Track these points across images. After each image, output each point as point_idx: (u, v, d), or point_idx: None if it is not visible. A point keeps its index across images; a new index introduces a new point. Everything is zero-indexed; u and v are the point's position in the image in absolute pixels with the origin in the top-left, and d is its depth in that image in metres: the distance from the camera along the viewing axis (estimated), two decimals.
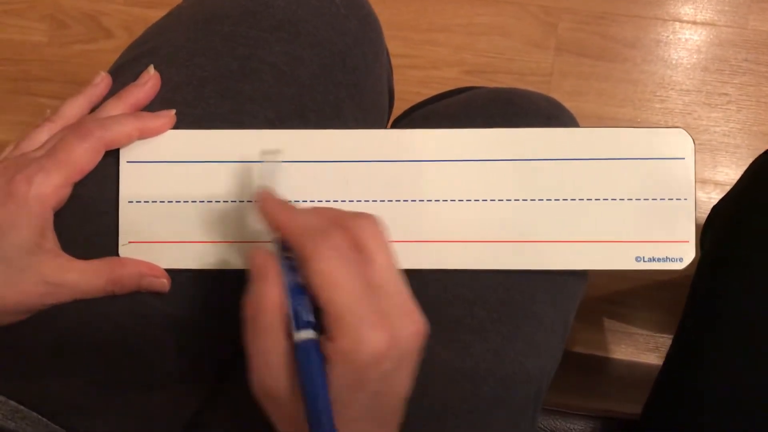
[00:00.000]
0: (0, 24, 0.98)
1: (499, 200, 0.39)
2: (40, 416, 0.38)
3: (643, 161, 0.39)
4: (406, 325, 0.29)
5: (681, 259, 0.40)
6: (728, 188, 0.55)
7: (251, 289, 0.30)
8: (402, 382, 0.31)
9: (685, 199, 0.39)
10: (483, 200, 0.39)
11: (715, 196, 0.89)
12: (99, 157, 0.37)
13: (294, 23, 0.41)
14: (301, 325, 0.29)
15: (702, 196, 0.89)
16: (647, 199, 0.39)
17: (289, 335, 0.29)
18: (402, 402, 0.31)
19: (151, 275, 0.37)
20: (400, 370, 0.30)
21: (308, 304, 0.30)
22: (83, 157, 0.36)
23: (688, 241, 0.40)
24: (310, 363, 0.28)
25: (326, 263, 0.29)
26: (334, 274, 0.29)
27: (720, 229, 0.53)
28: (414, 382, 0.32)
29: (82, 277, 0.35)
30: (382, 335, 0.28)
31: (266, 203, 0.33)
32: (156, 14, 0.45)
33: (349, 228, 0.30)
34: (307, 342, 0.29)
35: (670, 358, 0.54)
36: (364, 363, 0.28)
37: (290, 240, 0.31)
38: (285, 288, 0.30)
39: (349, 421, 0.29)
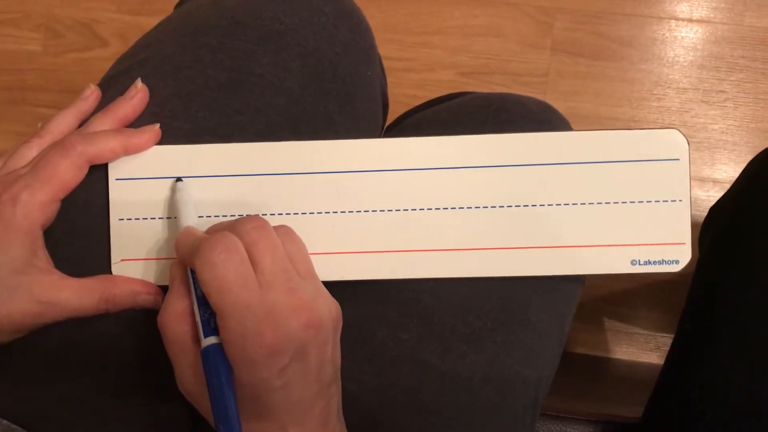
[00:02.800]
0: None
1: (491, 207, 0.39)
2: None
3: (636, 163, 0.39)
4: (293, 319, 0.31)
5: (677, 262, 0.39)
6: (727, 186, 0.55)
7: (164, 302, 0.33)
8: (311, 372, 0.32)
9: (681, 201, 0.39)
10: (476, 207, 0.39)
11: (714, 194, 0.89)
12: (83, 173, 0.37)
13: (282, 34, 0.41)
14: (208, 332, 0.31)
15: (701, 194, 0.89)
16: (642, 202, 0.39)
17: (198, 342, 0.32)
18: (321, 389, 0.33)
19: (144, 293, 0.37)
20: (304, 361, 0.32)
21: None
22: (67, 173, 0.36)
23: (684, 243, 0.39)
24: (211, 366, 0.31)
25: (210, 272, 0.31)
26: (219, 282, 0.30)
27: (719, 227, 0.53)
28: (338, 366, 0.34)
29: (74, 295, 0.35)
30: (267, 332, 0.30)
31: (178, 237, 0.35)
32: (150, 22, 0.45)
33: (237, 234, 0.32)
34: (209, 347, 0.31)
35: (670, 359, 0.54)
36: (256, 361, 0.30)
37: (186, 260, 0.33)
38: (194, 299, 0.32)
39: (262, 416, 0.32)
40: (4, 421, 0.37)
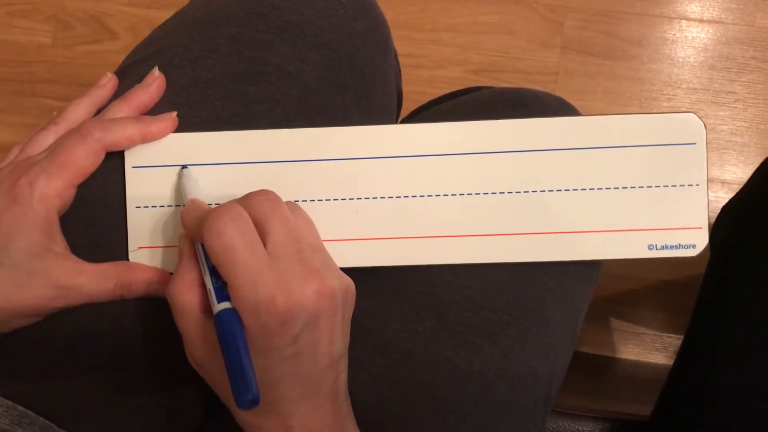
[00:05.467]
0: (4, 26, 0.98)
1: (508, 192, 0.39)
2: (47, 421, 0.38)
3: (653, 148, 0.39)
4: (305, 286, 0.31)
5: (694, 246, 0.39)
6: (736, 187, 0.55)
7: (173, 273, 0.34)
8: (322, 343, 0.32)
9: (697, 185, 0.39)
10: (492, 193, 0.39)
11: (722, 195, 0.88)
12: (100, 160, 0.37)
13: (300, 25, 0.41)
14: (221, 299, 0.31)
15: (710, 195, 0.89)
16: (658, 186, 0.39)
17: (208, 311, 0.32)
18: (331, 362, 0.33)
19: (158, 282, 0.37)
20: (314, 331, 0.32)
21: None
22: (84, 159, 0.36)
23: (701, 228, 0.39)
24: (226, 330, 0.30)
25: (218, 241, 0.31)
26: (227, 250, 0.31)
27: (731, 226, 0.53)
28: (347, 342, 0.34)
29: (91, 280, 0.35)
30: (280, 299, 0.30)
31: (184, 211, 0.35)
32: (160, 15, 0.45)
33: (249, 206, 0.32)
34: (222, 311, 0.31)
35: (679, 358, 0.54)
36: (268, 328, 0.30)
37: (193, 232, 0.33)
38: (205, 269, 0.32)
39: (272, 386, 0.32)
40: (19, 407, 0.37)
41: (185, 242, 0.34)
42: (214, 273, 0.32)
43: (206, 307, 0.32)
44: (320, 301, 0.31)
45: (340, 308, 0.33)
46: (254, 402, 0.29)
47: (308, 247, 0.33)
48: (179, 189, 0.38)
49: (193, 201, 0.35)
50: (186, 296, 0.32)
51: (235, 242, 0.31)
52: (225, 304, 0.31)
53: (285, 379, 0.32)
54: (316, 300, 0.31)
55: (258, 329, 0.30)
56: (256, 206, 0.32)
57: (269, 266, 0.31)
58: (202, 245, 0.33)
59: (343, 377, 0.35)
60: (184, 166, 0.38)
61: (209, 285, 0.32)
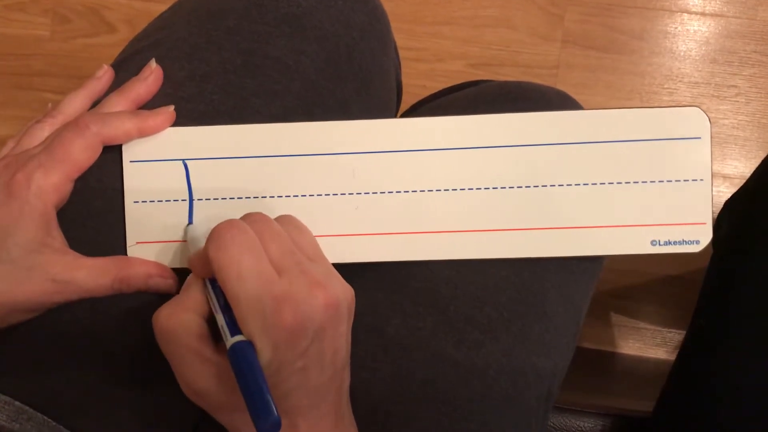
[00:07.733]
0: (2, 18, 0.97)
1: (510, 188, 0.38)
2: (45, 417, 0.37)
3: (656, 142, 0.38)
4: (312, 299, 0.30)
5: (697, 242, 0.39)
6: (737, 182, 0.54)
7: (169, 303, 0.33)
8: (328, 353, 0.32)
9: (701, 180, 0.39)
10: (494, 188, 0.38)
11: (724, 190, 0.88)
12: (97, 154, 0.36)
13: (299, 17, 0.40)
14: (235, 332, 0.31)
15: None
16: (662, 181, 0.38)
17: (207, 341, 0.32)
18: (336, 372, 0.33)
19: (158, 275, 0.36)
20: (321, 342, 0.31)
21: None
22: (81, 153, 0.35)
23: (704, 223, 0.39)
24: (243, 363, 0.30)
25: (225, 254, 0.30)
26: (235, 265, 0.30)
27: (734, 221, 0.52)
28: (350, 350, 0.34)
29: (89, 275, 0.35)
30: (288, 314, 0.30)
31: (191, 257, 0.35)
32: (159, 8, 0.44)
33: (248, 224, 0.32)
34: (237, 343, 0.30)
35: (682, 354, 0.54)
36: (278, 344, 0.30)
37: (201, 267, 0.33)
38: (216, 307, 0.32)
39: (282, 399, 0.31)
40: (16, 403, 0.37)
41: (192, 282, 0.34)
42: (226, 311, 0.31)
43: (205, 331, 0.32)
44: (327, 312, 0.31)
45: (345, 317, 0.33)
46: (276, 426, 0.29)
47: (306, 259, 0.32)
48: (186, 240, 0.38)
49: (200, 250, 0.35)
50: (183, 318, 0.32)
51: (243, 256, 0.30)
52: (239, 337, 0.30)
53: (294, 392, 0.31)
54: (323, 311, 0.31)
55: (268, 347, 0.30)
56: (252, 225, 0.32)
57: (275, 281, 0.30)
58: (212, 285, 0.33)
59: (346, 385, 0.35)
60: (189, 223, 0.38)
61: (221, 321, 0.31)
